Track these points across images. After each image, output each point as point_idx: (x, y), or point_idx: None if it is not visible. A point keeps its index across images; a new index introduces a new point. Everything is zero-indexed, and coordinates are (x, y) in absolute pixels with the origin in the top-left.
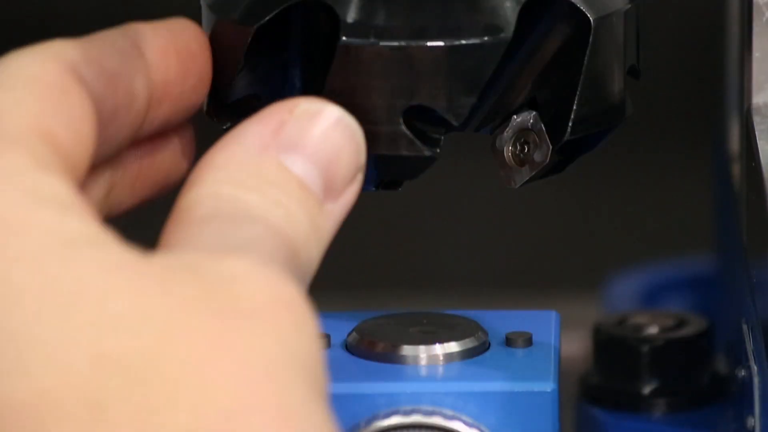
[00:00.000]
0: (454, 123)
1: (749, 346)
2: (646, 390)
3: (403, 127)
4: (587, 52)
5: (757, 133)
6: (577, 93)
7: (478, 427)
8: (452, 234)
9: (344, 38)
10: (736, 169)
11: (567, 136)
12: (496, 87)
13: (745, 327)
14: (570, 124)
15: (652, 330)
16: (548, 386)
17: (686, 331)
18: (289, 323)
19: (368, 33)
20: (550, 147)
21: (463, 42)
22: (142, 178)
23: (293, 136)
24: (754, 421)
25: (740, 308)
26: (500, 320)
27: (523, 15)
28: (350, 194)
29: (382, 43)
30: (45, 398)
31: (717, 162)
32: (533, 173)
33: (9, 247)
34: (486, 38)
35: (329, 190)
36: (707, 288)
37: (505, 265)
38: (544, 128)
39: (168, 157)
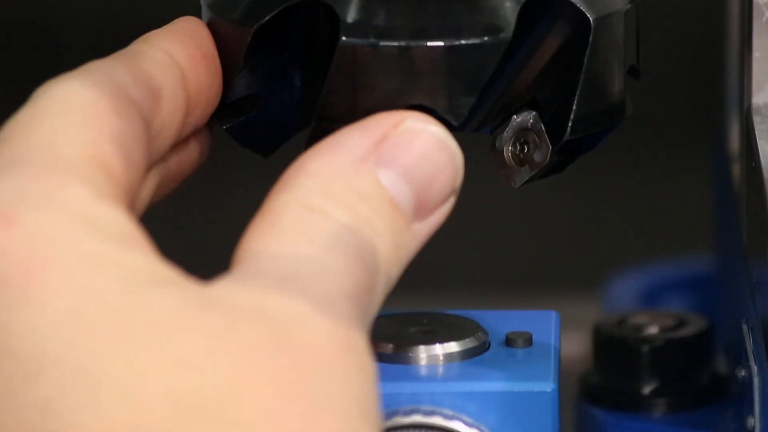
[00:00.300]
0: (454, 123)
1: (749, 346)
2: (646, 390)
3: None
4: (587, 52)
5: (757, 133)
6: (577, 93)
7: (478, 427)
8: (452, 234)
9: (344, 38)
10: (736, 169)
11: (567, 136)
12: (496, 87)
13: (745, 327)
14: (570, 124)
15: (652, 330)
16: (548, 386)
17: (686, 331)
18: (352, 369)
19: (368, 33)
20: (550, 147)
21: (463, 42)
22: (168, 178)
23: (394, 152)
24: (754, 421)
25: (740, 308)
26: (500, 320)
27: (523, 15)
28: (440, 215)
29: (382, 43)
30: None
31: (717, 162)
32: (533, 173)
33: (77, 283)
34: (486, 38)
35: (420, 210)
36: (707, 288)
37: (505, 265)
38: (543, 128)
39: (192, 155)
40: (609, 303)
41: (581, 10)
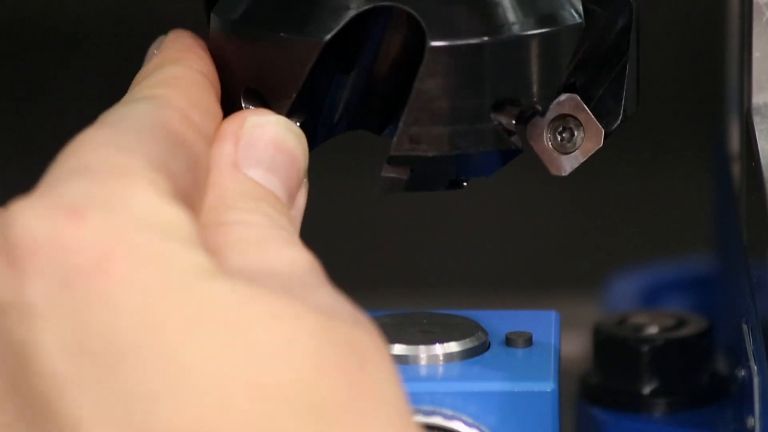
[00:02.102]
0: (540, 112)
1: (749, 346)
2: (646, 390)
3: (494, 123)
4: (631, 35)
5: (757, 133)
6: (627, 75)
7: (478, 427)
8: (452, 234)
9: (432, 42)
10: (736, 169)
11: (620, 119)
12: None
13: (745, 327)
14: (622, 107)
15: (652, 330)
16: (548, 386)
17: (686, 331)
18: (391, 364)
19: (451, 33)
20: (603, 131)
21: (546, 30)
22: None
23: (251, 151)
24: (754, 421)
25: (740, 308)
26: (500, 320)
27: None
28: (303, 198)
29: (472, 41)
30: (203, 425)
31: (717, 162)
32: (585, 159)
33: (148, 278)
34: (565, 25)
35: (289, 196)
36: (707, 288)
37: (505, 265)
38: (590, 113)
39: None
40: (609, 303)
41: None
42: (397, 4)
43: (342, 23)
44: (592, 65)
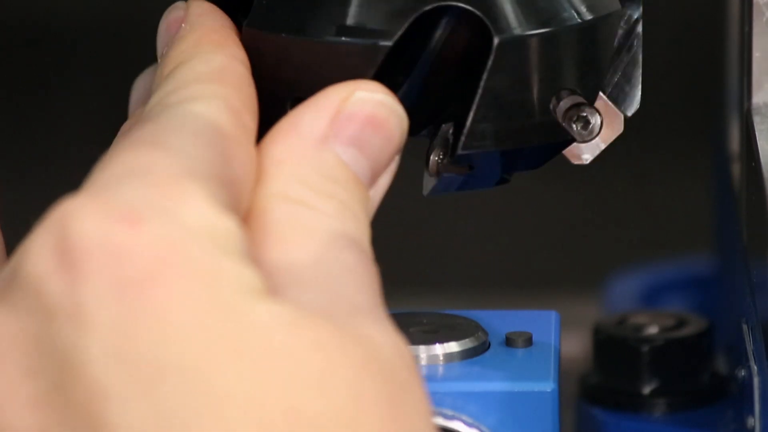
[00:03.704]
0: (591, 101)
1: (749, 346)
2: (646, 390)
3: (553, 115)
4: (640, 27)
5: (757, 133)
6: (641, 69)
7: (478, 427)
8: (453, 234)
9: (498, 37)
10: (736, 169)
11: (637, 105)
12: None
13: (745, 327)
14: (639, 95)
15: (652, 330)
16: (548, 386)
17: (686, 331)
18: (421, 383)
19: (515, 28)
20: (622, 116)
21: (600, 17)
22: None
23: (348, 127)
24: (754, 421)
25: (740, 308)
26: (500, 320)
27: None
28: (387, 177)
29: (537, 32)
30: None
31: (717, 162)
32: (606, 146)
33: (198, 294)
34: (612, 11)
35: (373, 177)
36: (707, 288)
37: (505, 265)
38: (607, 99)
39: None
40: (609, 303)
41: None
42: (457, 3)
43: (406, 25)
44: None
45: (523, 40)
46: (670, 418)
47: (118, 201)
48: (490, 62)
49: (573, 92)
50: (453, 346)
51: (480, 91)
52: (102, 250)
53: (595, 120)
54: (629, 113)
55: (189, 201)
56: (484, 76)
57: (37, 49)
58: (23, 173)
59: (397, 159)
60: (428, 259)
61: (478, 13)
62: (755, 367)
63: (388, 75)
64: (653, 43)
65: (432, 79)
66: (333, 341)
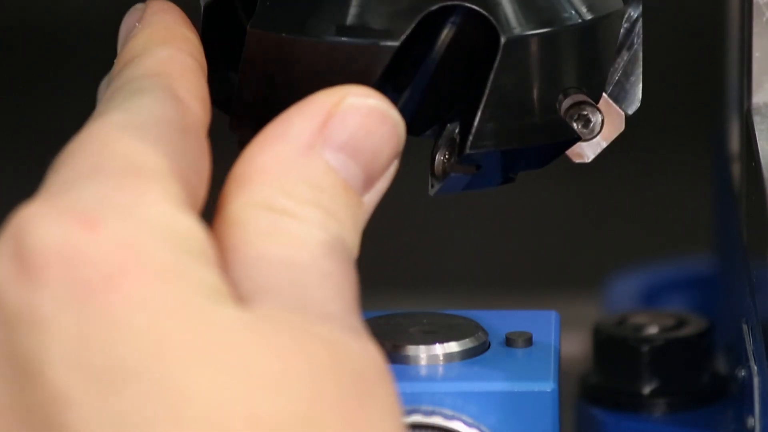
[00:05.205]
0: (595, 99)
1: (749, 346)
2: (646, 390)
3: (560, 114)
4: (641, 25)
5: (757, 133)
6: (641, 67)
7: (478, 427)
8: (453, 234)
9: (505, 36)
10: (736, 169)
11: (638, 104)
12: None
13: (745, 327)
14: (640, 93)
15: (652, 330)
16: (548, 386)
17: (686, 331)
18: (391, 391)
19: (521, 26)
20: (623, 114)
21: (603, 16)
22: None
23: (339, 132)
24: (754, 421)
25: (740, 308)
26: (500, 320)
27: None
28: (385, 181)
29: (543, 30)
30: None
31: (717, 162)
32: (607, 144)
33: (157, 298)
34: (614, 10)
35: (368, 183)
36: (707, 288)
37: (505, 265)
38: (608, 98)
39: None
40: (609, 303)
41: None
42: (463, 2)
43: (413, 25)
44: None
45: (529, 39)
46: (670, 418)
47: (74, 203)
48: (497, 61)
49: (577, 91)
50: (453, 346)
51: (487, 90)
52: (59, 254)
53: (596, 118)
54: (630, 111)
55: (148, 199)
56: (492, 76)
57: (37, 49)
58: (23, 173)
59: (395, 163)
60: (428, 259)
61: (484, 12)
62: (755, 367)
63: (393, 75)
64: (653, 42)
65: (437, 80)
66: (293, 345)
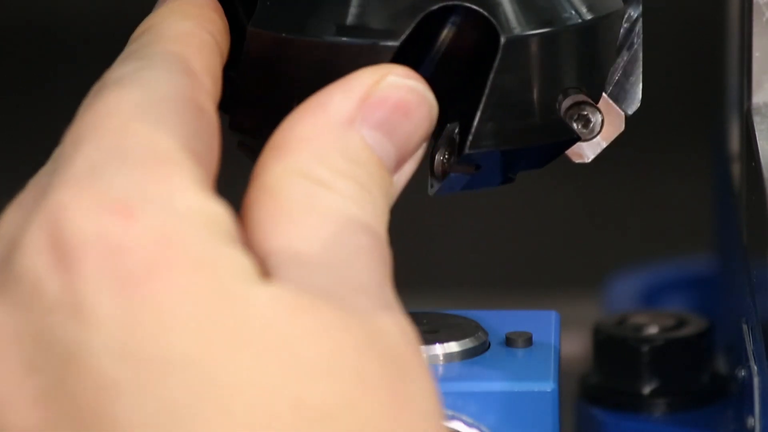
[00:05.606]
0: (595, 99)
1: (749, 346)
2: (646, 390)
3: (560, 114)
4: (641, 25)
5: (757, 133)
6: (641, 67)
7: (478, 427)
8: (452, 234)
9: (505, 36)
10: (736, 169)
11: (638, 104)
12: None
13: (745, 327)
14: (640, 93)
15: (652, 330)
16: (548, 386)
17: (686, 331)
18: (426, 370)
19: (521, 27)
20: (623, 114)
21: (603, 16)
22: None
23: (378, 110)
24: (754, 421)
25: (740, 308)
26: (500, 320)
27: None
28: (413, 164)
29: (544, 30)
30: None
31: (717, 162)
32: (607, 144)
33: (197, 286)
34: (614, 10)
35: (399, 163)
36: (707, 288)
37: (505, 265)
38: (608, 98)
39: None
40: (609, 303)
41: None
42: (463, 2)
43: (413, 25)
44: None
45: (529, 39)
46: (670, 418)
47: (107, 191)
48: (497, 61)
49: (577, 91)
50: (453, 346)
51: (487, 90)
52: (98, 245)
53: (596, 118)
54: (630, 111)
55: (175, 187)
56: (492, 76)
57: (37, 49)
58: (23, 173)
59: (423, 146)
60: (428, 259)
61: (484, 12)
62: (755, 367)
63: None
64: (653, 42)
65: (437, 80)
66: (335, 324)
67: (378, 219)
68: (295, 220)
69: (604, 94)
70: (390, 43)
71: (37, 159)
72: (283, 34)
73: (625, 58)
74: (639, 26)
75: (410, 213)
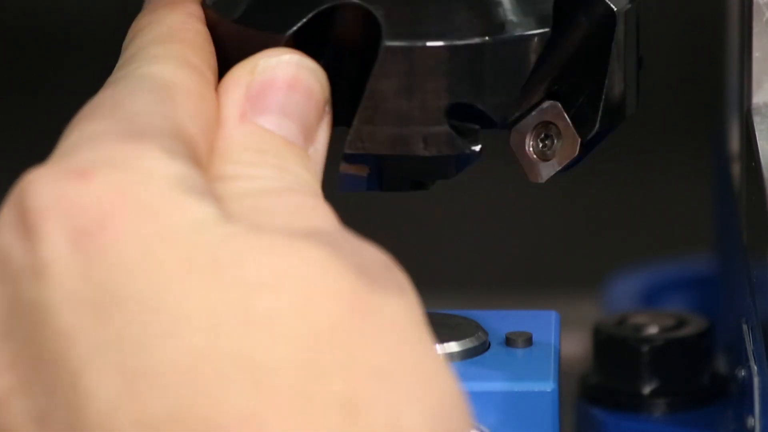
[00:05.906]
0: (496, 119)
1: (749, 346)
2: (646, 390)
3: (447, 127)
4: (614, 43)
5: (757, 133)
6: (605, 84)
7: (478, 427)
8: (453, 234)
9: (387, 41)
10: (736, 169)
11: (596, 128)
12: (532, 81)
13: (745, 327)
14: (599, 116)
15: (652, 330)
16: (548, 386)
17: (686, 331)
18: (400, 285)
19: (410, 34)
20: (579, 139)
21: (507, 36)
22: None
23: (262, 97)
24: (754, 421)
25: (740, 308)
26: (500, 320)
27: (557, 7)
28: (325, 132)
29: (426, 44)
30: (195, 359)
31: (717, 162)
32: (562, 167)
33: (147, 230)
34: (528, 32)
35: (307, 135)
36: (707, 288)
37: (505, 265)
38: (569, 120)
39: None
40: (609, 303)
41: (608, 3)
42: (359, 2)
43: (305, 19)
44: (575, 73)
45: (409, 49)
46: (670, 418)
47: (73, 162)
48: (375, 66)
49: (469, 107)
50: (453, 346)
51: (366, 93)
52: (55, 206)
53: (557, 141)
54: (586, 138)
55: (144, 154)
56: (370, 79)
57: (37, 49)
58: (23, 173)
59: (328, 110)
60: (428, 259)
61: (375, 13)
62: (755, 367)
63: None
64: (653, 43)
65: (331, 77)
66: (286, 245)
67: (304, 185)
68: (232, 201)
69: (565, 115)
70: (278, 34)
71: (37, 159)
72: (214, 14)
73: (593, 78)
74: (611, 45)
75: (410, 213)
